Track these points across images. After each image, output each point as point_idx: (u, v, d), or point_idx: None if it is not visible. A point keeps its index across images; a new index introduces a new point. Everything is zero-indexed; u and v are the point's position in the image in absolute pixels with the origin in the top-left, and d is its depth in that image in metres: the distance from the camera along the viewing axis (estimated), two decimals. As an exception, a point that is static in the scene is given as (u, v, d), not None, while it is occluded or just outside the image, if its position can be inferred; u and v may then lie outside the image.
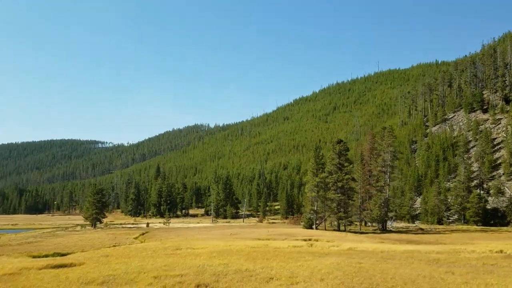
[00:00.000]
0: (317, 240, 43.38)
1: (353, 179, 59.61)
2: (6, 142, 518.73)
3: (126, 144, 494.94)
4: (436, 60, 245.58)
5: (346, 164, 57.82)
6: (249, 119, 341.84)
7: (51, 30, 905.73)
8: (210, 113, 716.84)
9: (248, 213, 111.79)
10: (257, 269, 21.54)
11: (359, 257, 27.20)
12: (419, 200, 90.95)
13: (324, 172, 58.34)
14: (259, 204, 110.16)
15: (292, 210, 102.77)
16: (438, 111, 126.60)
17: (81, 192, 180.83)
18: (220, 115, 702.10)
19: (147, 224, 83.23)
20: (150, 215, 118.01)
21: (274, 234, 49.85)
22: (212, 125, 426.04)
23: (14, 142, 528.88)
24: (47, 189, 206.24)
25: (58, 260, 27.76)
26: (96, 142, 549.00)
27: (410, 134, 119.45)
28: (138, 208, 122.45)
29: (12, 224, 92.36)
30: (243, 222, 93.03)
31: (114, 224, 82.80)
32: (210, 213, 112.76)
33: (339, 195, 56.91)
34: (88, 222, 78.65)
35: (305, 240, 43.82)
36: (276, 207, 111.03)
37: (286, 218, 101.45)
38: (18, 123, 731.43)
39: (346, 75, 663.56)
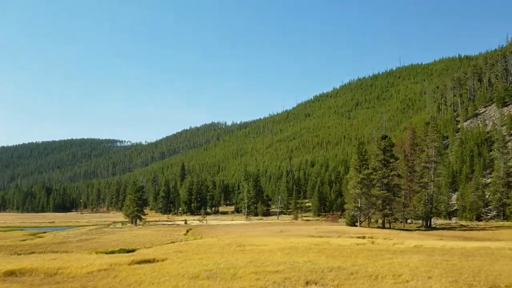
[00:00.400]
0: (372, 237, 43.05)
1: (399, 176, 58.93)
2: (27, 142, 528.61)
3: (144, 143, 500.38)
4: (459, 55, 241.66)
5: (391, 160, 57.21)
6: (267, 116, 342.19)
7: (71, 29, 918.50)
8: (226, 111, 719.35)
9: (279, 210, 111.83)
10: (349, 267, 21.44)
11: (439, 255, 26.92)
12: (454, 196, 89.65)
13: (368, 168, 57.85)
14: (289, 201, 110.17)
15: (324, 208, 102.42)
16: (469, 106, 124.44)
17: (107, 190, 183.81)
18: (236, 113, 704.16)
19: (185, 221, 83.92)
20: (180, 212, 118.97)
21: (322, 231, 49.68)
22: (229, 123, 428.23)
23: (34, 142, 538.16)
24: (73, 188, 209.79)
25: (139, 256, 28.11)
26: (114, 141, 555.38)
27: (441, 130, 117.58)
28: (168, 205, 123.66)
29: (49, 222, 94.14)
30: (278, 219, 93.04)
31: (151, 222, 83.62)
32: (241, 210, 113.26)
33: (385, 191, 56.35)
34: (127, 220, 79.61)
35: (359, 237, 43.53)
36: (307, 204, 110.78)
37: (319, 215, 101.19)
38: (37, 123, 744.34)
39: (367, 71, 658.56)
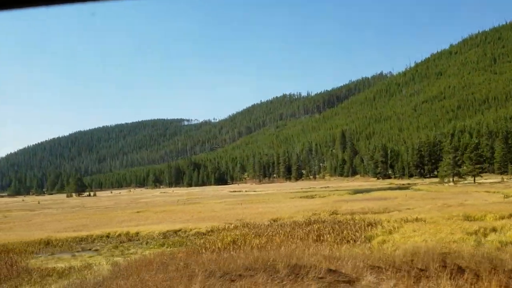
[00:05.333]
0: None
1: None
2: (101, 125, 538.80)
3: (213, 120, 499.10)
4: None
5: None
6: (345, 83, 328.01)
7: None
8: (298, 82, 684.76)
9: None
10: None
11: None
12: None
13: None
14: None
15: None
16: None
17: (247, 162, 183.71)
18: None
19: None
20: (398, 176, 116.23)
21: None
22: (304, 94, 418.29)
23: (108, 125, 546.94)
24: (215, 163, 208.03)
25: None
26: (181, 120, 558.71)
27: None
28: (386, 170, 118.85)
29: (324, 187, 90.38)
30: None
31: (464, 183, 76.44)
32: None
33: None
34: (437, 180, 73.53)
35: None
36: None
37: None
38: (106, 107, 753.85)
39: (475, 26, 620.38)
